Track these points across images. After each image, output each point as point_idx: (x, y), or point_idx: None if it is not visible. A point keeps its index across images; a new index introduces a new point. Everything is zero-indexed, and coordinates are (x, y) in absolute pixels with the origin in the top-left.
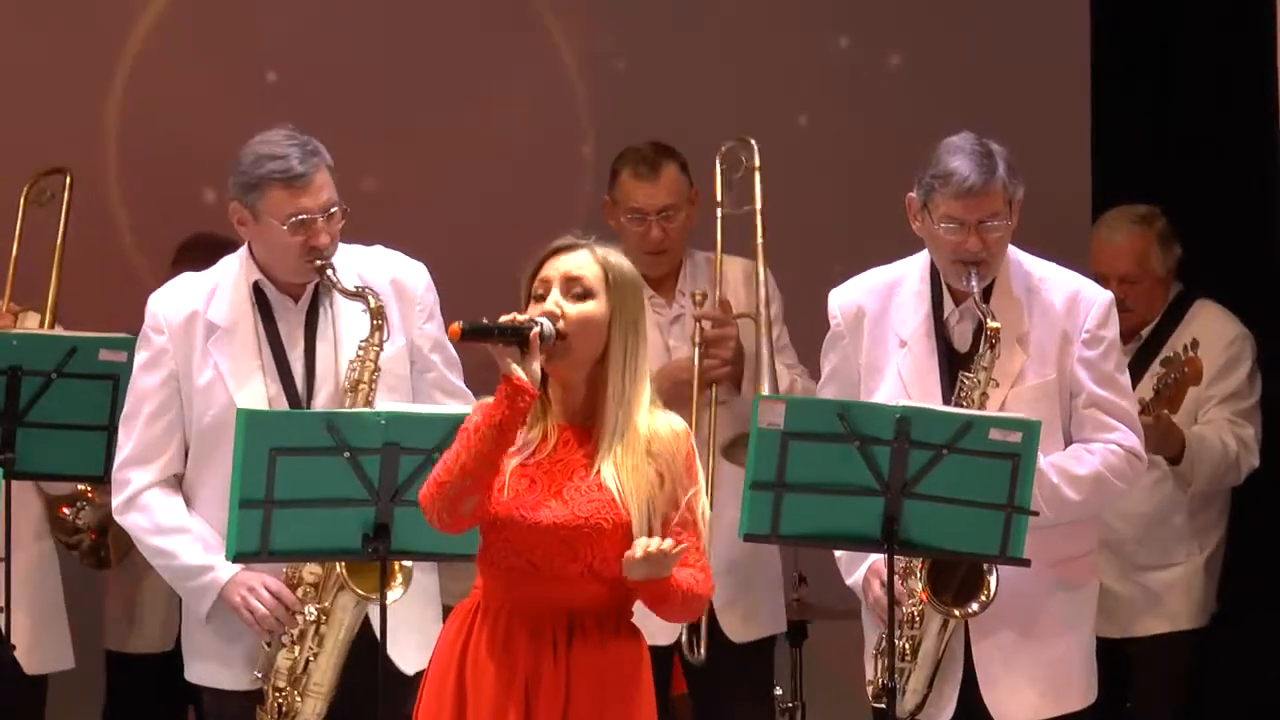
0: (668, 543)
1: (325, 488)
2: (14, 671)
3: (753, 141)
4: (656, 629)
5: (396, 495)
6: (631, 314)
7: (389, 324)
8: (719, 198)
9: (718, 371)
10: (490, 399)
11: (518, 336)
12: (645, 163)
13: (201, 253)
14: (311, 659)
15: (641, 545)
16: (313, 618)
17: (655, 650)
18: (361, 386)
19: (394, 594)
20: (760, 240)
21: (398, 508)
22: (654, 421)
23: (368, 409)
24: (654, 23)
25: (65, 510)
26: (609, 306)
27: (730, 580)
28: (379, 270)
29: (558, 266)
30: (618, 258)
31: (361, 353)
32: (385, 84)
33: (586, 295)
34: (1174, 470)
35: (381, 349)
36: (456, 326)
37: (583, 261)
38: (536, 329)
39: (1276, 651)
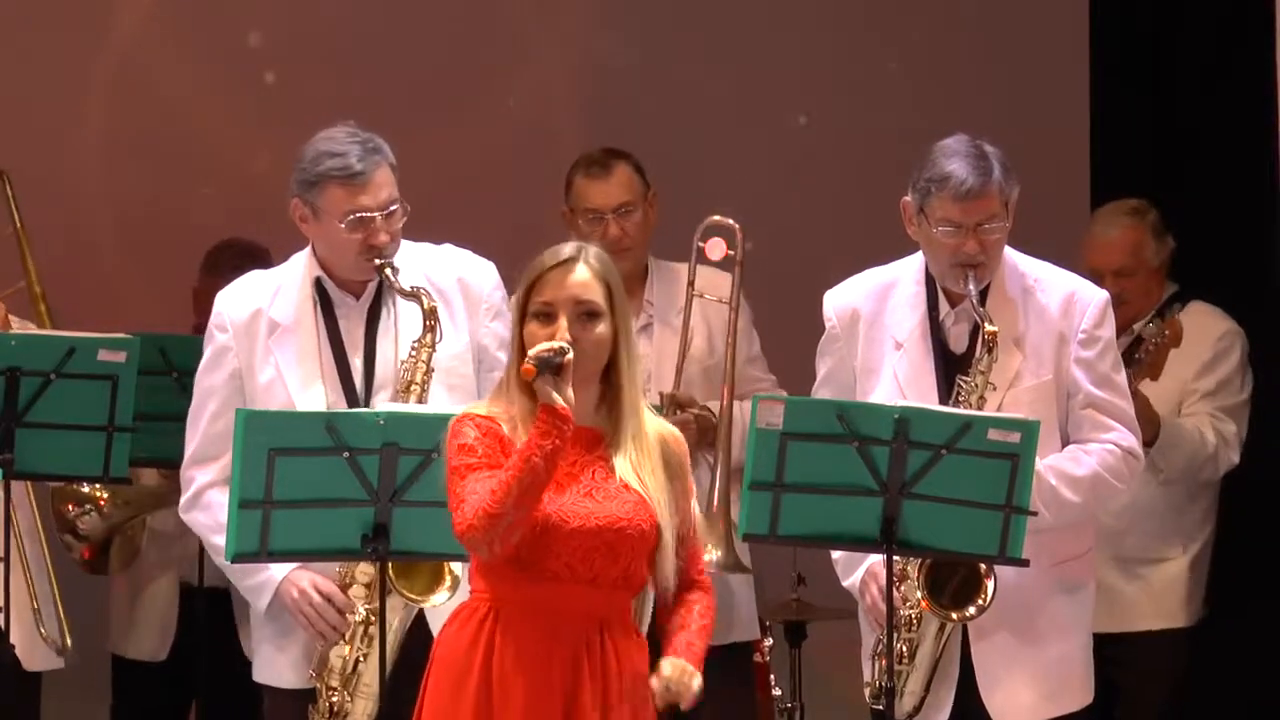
0: (681, 671)
1: (324, 488)
2: (15, 670)
3: (735, 225)
4: None
5: (395, 496)
6: (628, 320)
7: (441, 325)
8: (691, 277)
9: None
10: (480, 408)
11: (554, 367)
12: (596, 163)
13: (233, 258)
14: (362, 659)
15: (666, 683)
16: (362, 618)
17: None
18: (414, 387)
19: (440, 597)
20: (731, 339)
21: (396, 508)
22: (659, 427)
23: (367, 410)
24: (653, 24)
25: (70, 507)
26: (615, 321)
27: None
28: (445, 269)
29: (565, 288)
30: (607, 261)
31: (414, 353)
32: (382, 86)
33: (595, 315)
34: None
35: (434, 349)
36: (530, 366)
37: (586, 279)
38: (568, 356)
39: (1268, 649)
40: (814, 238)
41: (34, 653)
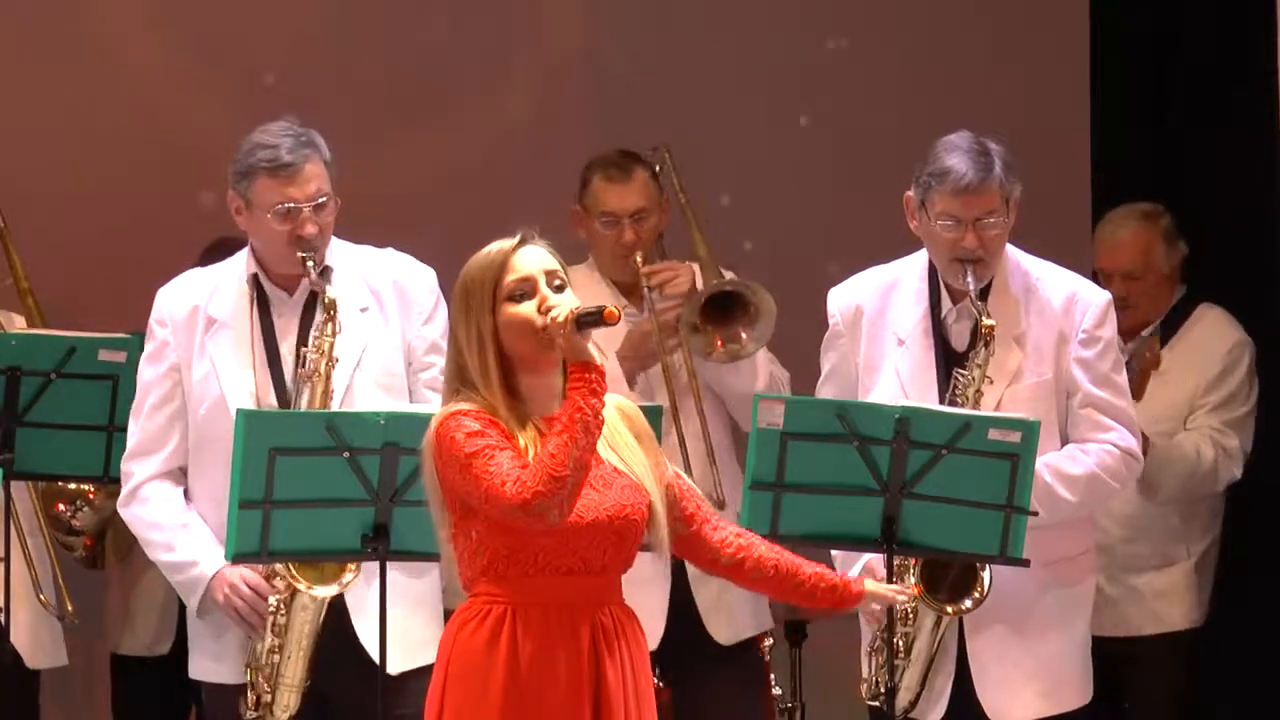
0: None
1: (325, 488)
2: (16, 668)
3: (665, 150)
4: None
5: (396, 495)
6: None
7: (339, 317)
8: (678, 185)
9: (676, 311)
10: (459, 406)
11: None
12: (616, 166)
13: (227, 255)
14: (276, 649)
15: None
16: (273, 608)
17: None
18: (317, 377)
19: (345, 578)
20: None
21: (397, 508)
22: (614, 400)
23: (367, 410)
24: (654, 23)
25: (61, 507)
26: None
27: (713, 582)
28: (382, 270)
29: (536, 264)
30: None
31: (316, 341)
32: (381, 86)
33: (564, 286)
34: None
35: (334, 339)
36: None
37: (547, 254)
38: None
39: (1272, 653)
40: (814, 237)
41: (35, 650)
